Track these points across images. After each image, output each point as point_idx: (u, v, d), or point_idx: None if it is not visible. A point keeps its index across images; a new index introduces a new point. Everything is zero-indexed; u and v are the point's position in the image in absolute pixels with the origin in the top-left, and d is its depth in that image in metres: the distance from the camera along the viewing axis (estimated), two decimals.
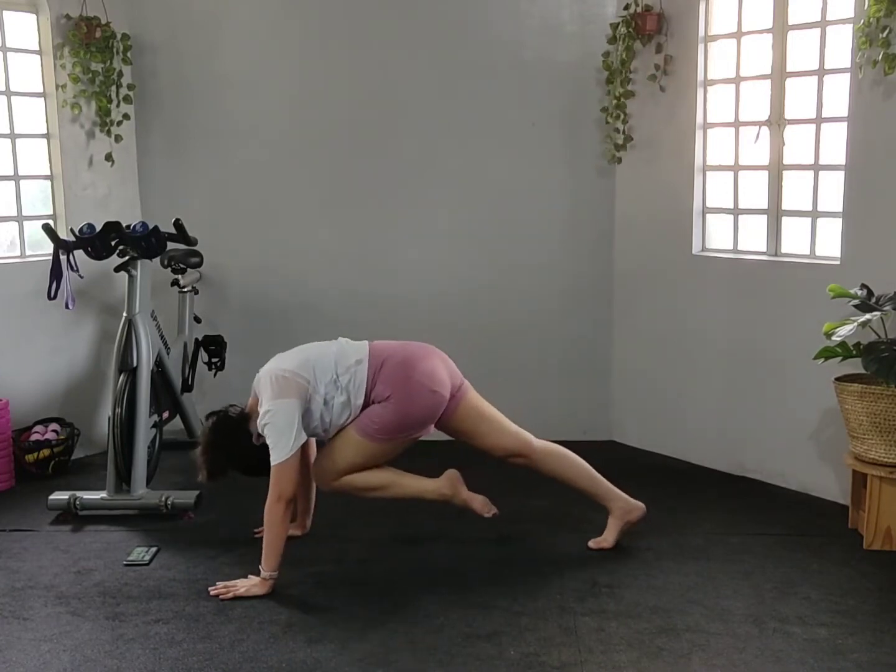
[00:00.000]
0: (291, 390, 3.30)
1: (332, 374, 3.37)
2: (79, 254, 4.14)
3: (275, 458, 3.24)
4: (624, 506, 3.60)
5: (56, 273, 4.10)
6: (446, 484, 3.51)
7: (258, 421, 3.32)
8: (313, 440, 3.60)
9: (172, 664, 2.83)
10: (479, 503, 3.52)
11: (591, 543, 3.61)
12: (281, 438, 3.23)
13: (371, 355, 3.43)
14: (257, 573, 3.28)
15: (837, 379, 3.69)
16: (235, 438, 3.41)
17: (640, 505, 3.63)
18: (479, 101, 4.84)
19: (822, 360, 3.68)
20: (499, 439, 3.56)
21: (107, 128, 4.80)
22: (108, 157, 4.85)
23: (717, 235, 4.58)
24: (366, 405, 3.40)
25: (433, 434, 3.56)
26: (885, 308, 3.59)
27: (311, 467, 3.56)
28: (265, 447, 3.30)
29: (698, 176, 4.52)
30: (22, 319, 4.64)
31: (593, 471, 3.62)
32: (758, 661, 2.81)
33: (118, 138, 4.85)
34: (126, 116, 4.87)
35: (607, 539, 3.60)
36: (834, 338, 3.53)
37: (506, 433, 3.57)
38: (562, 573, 3.41)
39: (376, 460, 3.46)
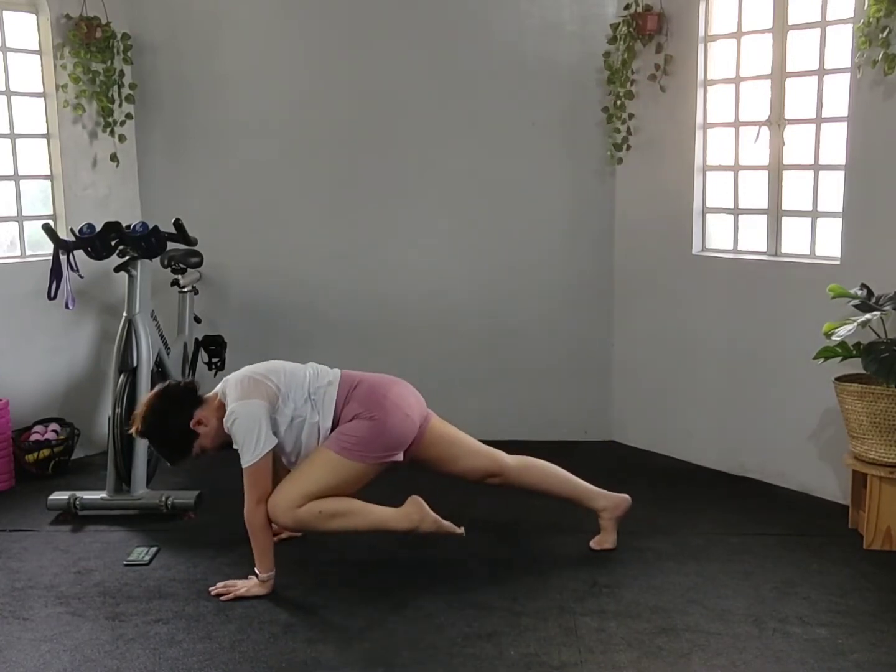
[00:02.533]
0: (260, 392, 3.26)
1: (305, 390, 3.34)
2: (79, 254, 4.14)
3: (245, 461, 3.20)
4: (609, 503, 3.59)
5: (56, 273, 4.10)
6: (413, 510, 3.35)
7: (224, 420, 3.25)
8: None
9: (172, 664, 2.83)
10: (449, 524, 3.40)
11: (593, 544, 3.61)
12: (249, 438, 3.18)
13: (342, 380, 3.40)
14: (256, 575, 3.28)
15: (837, 379, 3.69)
16: (176, 409, 3.31)
17: (625, 497, 3.61)
18: (479, 101, 4.84)
19: (822, 360, 3.68)
20: (471, 461, 3.52)
21: (109, 128, 4.80)
22: (113, 158, 4.85)
23: (717, 235, 4.58)
24: (334, 427, 3.35)
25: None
26: (885, 308, 3.59)
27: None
28: (192, 434, 3.27)
29: (698, 176, 4.52)
30: (22, 319, 4.64)
31: (571, 476, 3.60)
32: (758, 661, 2.81)
33: (122, 138, 4.86)
34: (129, 116, 4.88)
35: (607, 539, 3.60)
36: (834, 338, 3.53)
37: (477, 454, 3.53)
38: (562, 573, 3.41)
39: (346, 485, 3.28)
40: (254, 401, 3.24)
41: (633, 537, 3.65)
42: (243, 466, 3.22)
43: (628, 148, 4.65)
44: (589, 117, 4.73)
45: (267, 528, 3.26)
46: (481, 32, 4.81)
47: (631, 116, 4.60)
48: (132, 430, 3.39)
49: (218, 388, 3.42)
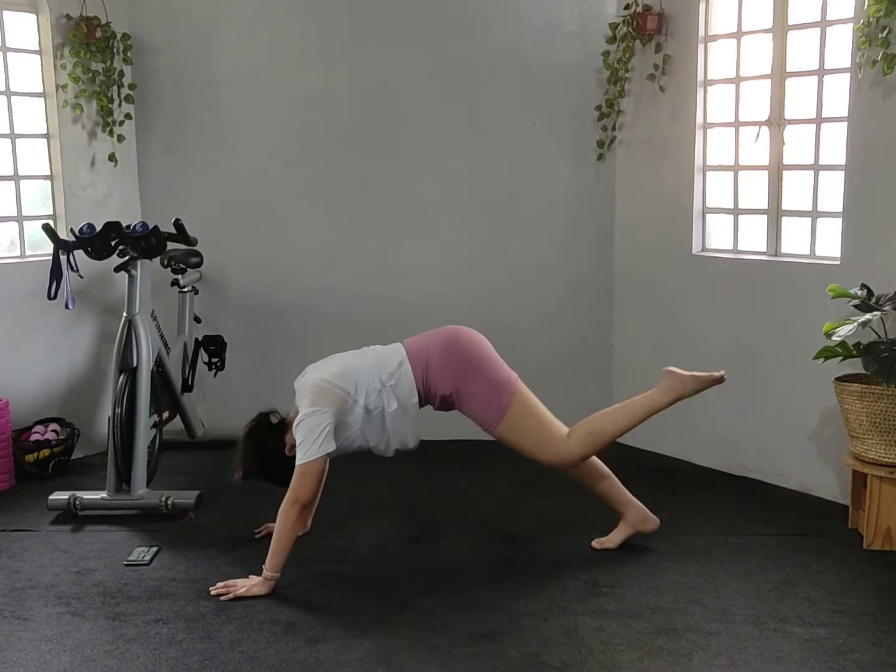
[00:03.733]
0: (329, 400, 3.28)
1: (376, 383, 3.36)
2: (79, 254, 4.13)
3: (299, 459, 3.24)
4: (640, 515, 3.61)
5: (56, 273, 4.09)
6: (671, 382, 3.46)
7: (293, 426, 3.32)
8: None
9: (172, 664, 2.82)
10: (709, 375, 3.45)
11: (595, 543, 3.61)
12: (308, 441, 3.23)
13: (411, 356, 3.41)
14: (257, 573, 3.28)
15: (837, 379, 3.69)
16: (267, 443, 3.44)
17: (656, 518, 3.63)
18: (479, 100, 4.84)
19: (822, 360, 3.68)
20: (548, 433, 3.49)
21: (109, 128, 4.80)
22: (112, 158, 4.85)
23: (717, 235, 4.58)
24: (423, 403, 3.42)
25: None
26: (885, 308, 3.59)
27: (547, 460, 3.43)
28: (292, 460, 3.31)
29: (698, 176, 4.52)
30: (22, 319, 4.64)
31: (615, 477, 3.62)
32: (758, 661, 2.81)
33: (121, 138, 4.86)
34: (128, 116, 4.88)
35: (612, 540, 3.60)
36: (834, 338, 3.53)
37: (550, 423, 3.51)
38: (563, 573, 3.41)
39: (534, 415, 3.42)
40: (321, 408, 3.27)
41: (633, 537, 3.64)
42: (296, 463, 3.25)
43: (612, 142, 4.66)
44: (589, 117, 4.73)
45: (294, 529, 3.26)
46: (481, 32, 4.81)
47: (625, 115, 4.61)
48: (238, 478, 3.47)
49: (293, 403, 3.44)
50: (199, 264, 4.90)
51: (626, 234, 4.83)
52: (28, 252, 4.76)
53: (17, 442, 4.51)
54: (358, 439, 3.40)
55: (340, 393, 3.31)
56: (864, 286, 3.70)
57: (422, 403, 3.43)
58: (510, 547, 3.67)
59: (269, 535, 3.69)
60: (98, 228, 4.07)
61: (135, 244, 4.09)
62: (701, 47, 4.42)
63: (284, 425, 3.47)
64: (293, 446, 3.35)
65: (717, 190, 4.54)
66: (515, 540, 3.74)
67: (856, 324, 3.48)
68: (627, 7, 4.50)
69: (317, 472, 3.26)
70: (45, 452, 4.52)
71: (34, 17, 4.66)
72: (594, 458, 3.59)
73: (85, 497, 4.01)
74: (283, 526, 3.25)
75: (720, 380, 3.45)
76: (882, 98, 3.75)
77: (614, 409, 3.50)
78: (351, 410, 3.32)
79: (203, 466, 4.67)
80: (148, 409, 4.12)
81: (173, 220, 4.17)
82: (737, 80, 4.38)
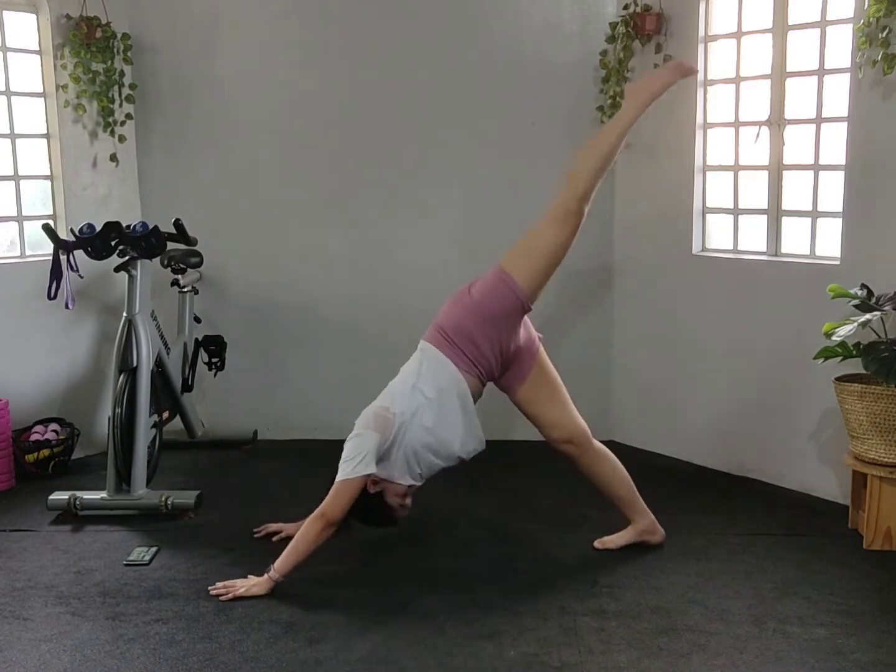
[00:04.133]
0: (374, 424, 3.25)
1: (420, 397, 3.29)
2: (79, 254, 4.13)
3: (339, 475, 3.22)
4: (649, 525, 3.60)
5: (56, 273, 4.09)
6: (635, 93, 3.38)
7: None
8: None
9: (172, 664, 2.82)
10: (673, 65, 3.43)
11: (597, 543, 3.61)
12: (351, 457, 3.21)
13: (437, 346, 3.36)
14: (257, 573, 3.28)
15: (837, 379, 3.68)
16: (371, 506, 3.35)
17: (663, 531, 3.63)
18: (478, 100, 4.84)
19: (822, 360, 3.68)
20: (561, 413, 3.49)
21: (110, 128, 4.80)
22: (113, 158, 4.85)
23: (717, 235, 4.58)
24: (487, 378, 3.40)
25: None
26: (885, 308, 3.59)
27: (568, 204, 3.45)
28: (379, 494, 3.30)
29: (698, 176, 4.52)
30: (22, 319, 4.64)
31: (632, 484, 3.61)
32: (758, 661, 2.81)
33: (122, 138, 4.86)
34: (129, 116, 4.88)
35: (615, 542, 3.60)
36: (834, 338, 3.53)
37: (570, 412, 3.51)
38: (562, 573, 3.41)
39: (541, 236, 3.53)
40: (367, 431, 3.24)
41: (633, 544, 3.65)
42: (335, 481, 3.23)
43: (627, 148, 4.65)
44: (589, 117, 4.72)
45: (312, 542, 3.23)
46: (481, 32, 4.81)
47: None
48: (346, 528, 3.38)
49: None
50: (199, 264, 4.90)
51: (626, 234, 4.83)
52: (28, 252, 4.76)
53: (17, 442, 4.51)
54: (415, 465, 3.32)
55: (388, 416, 3.27)
56: (864, 286, 3.70)
57: (485, 380, 3.39)
58: (510, 547, 3.67)
59: (270, 535, 3.71)
60: (98, 228, 4.07)
61: (135, 244, 4.09)
62: (701, 47, 4.42)
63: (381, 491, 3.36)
64: (375, 482, 3.29)
65: (717, 190, 4.54)
66: (515, 540, 3.74)
67: (856, 324, 3.48)
68: (627, 7, 4.50)
69: (351, 491, 3.21)
70: (45, 452, 4.52)
71: (34, 17, 4.66)
72: (620, 465, 3.59)
73: (85, 497, 4.01)
74: (304, 536, 3.24)
75: (689, 70, 3.42)
76: (882, 98, 3.75)
77: (597, 144, 3.43)
78: (406, 428, 3.26)
79: (203, 466, 4.68)
80: (148, 409, 4.12)
81: (173, 220, 4.18)
82: (737, 80, 4.38)
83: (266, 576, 3.25)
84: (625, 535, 3.61)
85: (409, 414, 3.28)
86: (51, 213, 4.82)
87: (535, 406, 3.51)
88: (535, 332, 3.57)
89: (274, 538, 3.68)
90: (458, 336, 3.36)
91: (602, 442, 4.90)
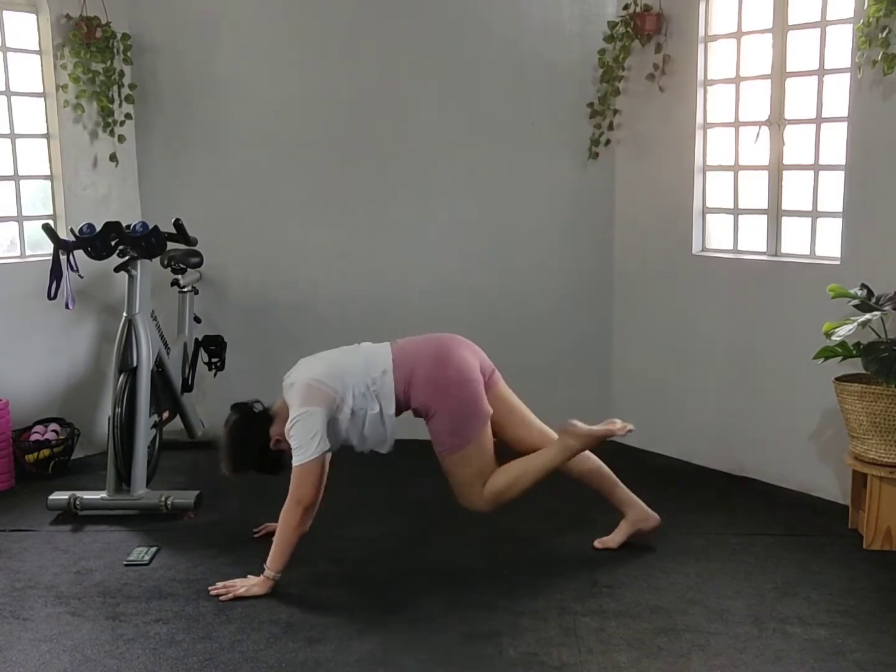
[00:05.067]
0: (318, 399, 3.29)
1: (363, 385, 3.36)
2: (79, 254, 4.14)
3: (297, 460, 3.25)
4: (639, 514, 3.61)
5: (56, 273, 4.10)
6: (567, 440, 3.46)
7: (286, 426, 3.31)
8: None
9: (172, 664, 2.83)
10: (605, 429, 3.47)
11: (597, 543, 3.61)
12: (303, 442, 3.24)
13: (396, 364, 3.40)
14: (257, 573, 3.28)
15: (837, 379, 3.68)
16: (251, 435, 3.43)
17: (656, 515, 3.63)
18: (478, 100, 4.84)
19: (822, 360, 3.68)
20: (524, 432, 3.55)
21: (110, 128, 4.81)
22: (113, 158, 4.85)
23: (717, 235, 4.58)
24: (399, 411, 3.42)
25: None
26: (885, 308, 3.59)
27: (461, 500, 3.50)
28: (279, 451, 3.36)
29: (698, 176, 4.52)
30: (22, 319, 4.64)
31: (614, 476, 3.62)
32: (758, 661, 2.81)
33: (121, 138, 4.86)
34: (129, 116, 4.88)
35: (614, 540, 3.60)
36: (834, 338, 3.53)
37: (531, 429, 3.57)
38: (562, 573, 3.41)
39: (484, 458, 3.43)
40: (313, 408, 3.27)
41: (634, 536, 3.64)
42: (293, 465, 3.26)
43: (607, 143, 4.66)
44: (588, 117, 4.73)
45: (295, 531, 3.26)
46: (481, 32, 4.81)
47: (616, 112, 4.61)
48: (227, 472, 3.46)
49: (281, 395, 3.44)
50: (199, 264, 4.90)
51: (625, 234, 4.82)
52: (28, 252, 4.76)
53: (17, 442, 4.51)
54: (342, 438, 3.41)
55: (330, 392, 3.31)
56: (864, 286, 3.70)
57: (398, 412, 3.43)
58: (510, 547, 3.67)
59: (269, 534, 3.70)
60: (98, 228, 4.07)
61: (135, 244, 4.10)
62: (701, 47, 4.42)
63: (269, 416, 3.45)
64: (279, 440, 3.36)
65: (717, 190, 4.54)
66: (515, 540, 3.74)
67: (856, 324, 3.48)
68: (627, 7, 4.49)
69: (316, 472, 3.26)
70: (45, 452, 4.52)
71: (34, 17, 4.66)
72: (596, 459, 3.60)
73: (85, 497, 4.01)
74: (287, 527, 3.26)
75: (620, 432, 3.48)
76: (882, 98, 3.75)
77: (519, 471, 3.47)
78: (339, 410, 3.33)
79: (203, 466, 4.67)
80: (148, 409, 4.12)
81: (173, 220, 4.18)
82: (737, 80, 4.38)
83: (263, 576, 3.26)
84: (621, 531, 3.61)
85: (355, 410, 3.34)
86: (51, 213, 4.82)
87: (496, 427, 3.53)
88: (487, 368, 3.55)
89: (274, 538, 3.67)
90: (416, 391, 3.38)
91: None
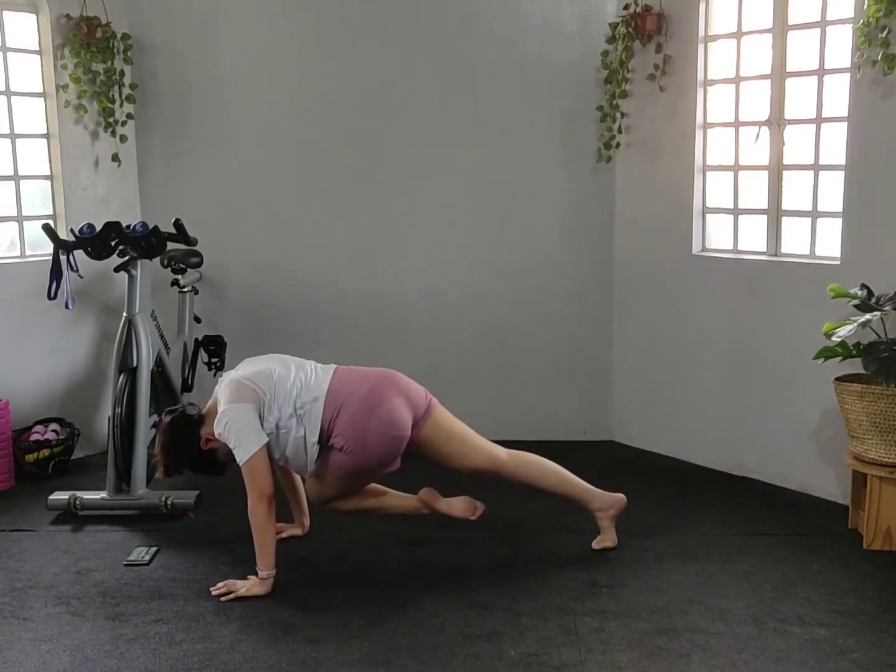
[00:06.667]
0: (247, 396, 3.29)
1: (291, 405, 3.34)
2: (79, 254, 4.14)
3: (240, 458, 3.24)
4: (604, 504, 3.59)
5: (56, 273, 4.10)
6: (423, 503, 3.56)
7: (215, 426, 3.30)
8: None
9: (172, 664, 2.83)
10: (460, 509, 3.54)
11: (595, 545, 3.61)
12: (242, 437, 3.23)
13: (329, 394, 3.37)
14: (256, 574, 3.28)
15: (837, 379, 3.68)
16: (184, 437, 3.40)
17: (620, 496, 3.61)
18: (478, 100, 4.84)
19: (822, 360, 3.68)
20: (467, 461, 3.50)
21: (111, 128, 4.81)
22: (115, 158, 4.85)
23: (717, 235, 4.58)
24: (321, 442, 3.37)
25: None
26: (885, 308, 3.59)
27: (306, 485, 3.58)
28: (211, 451, 3.36)
29: (698, 176, 4.52)
30: (22, 319, 4.64)
31: (567, 474, 3.60)
32: (758, 661, 2.81)
33: (123, 138, 4.86)
34: (130, 116, 4.88)
35: (607, 538, 3.60)
36: (834, 338, 3.53)
37: (474, 453, 3.50)
38: (562, 573, 3.41)
39: (356, 488, 3.49)
40: (242, 404, 3.27)
41: (633, 537, 3.65)
42: (239, 464, 3.24)
43: (617, 146, 4.66)
44: (588, 117, 4.73)
45: (268, 524, 3.26)
46: (481, 32, 4.81)
47: (624, 115, 4.61)
48: (160, 475, 3.46)
49: (212, 398, 3.46)
50: (199, 264, 4.90)
51: (626, 235, 4.82)
52: (28, 252, 4.76)
53: (17, 442, 4.51)
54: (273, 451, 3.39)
55: (259, 393, 3.31)
56: (864, 286, 3.70)
57: (321, 441, 3.37)
58: (510, 547, 3.68)
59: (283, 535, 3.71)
60: (98, 228, 4.07)
61: (135, 244, 4.10)
62: (701, 47, 4.42)
63: (201, 418, 3.42)
64: (209, 439, 3.35)
65: (717, 190, 4.54)
66: (514, 540, 3.74)
67: (856, 324, 3.48)
68: (627, 7, 4.49)
69: (262, 464, 3.25)
70: (45, 452, 4.52)
71: (34, 17, 4.66)
72: (545, 461, 3.58)
73: (85, 497, 4.01)
74: (259, 524, 3.25)
75: (472, 517, 3.55)
76: (882, 98, 3.75)
77: (372, 504, 3.57)
78: (265, 417, 3.30)
79: None
80: (148, 409, 4.12)
81: (173, 220, 4.17)
82: (737, 80, 4.38)
83: (259, 578, 3.26)
84: (603, 527, 3.60)
85: (280, 426, 3.33)
86: (51, 213, 4.82)
87: (442, 461, 3.53)
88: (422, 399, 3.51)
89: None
90: (339, 427, 3.34)
91: (602, 442, 4.96)
